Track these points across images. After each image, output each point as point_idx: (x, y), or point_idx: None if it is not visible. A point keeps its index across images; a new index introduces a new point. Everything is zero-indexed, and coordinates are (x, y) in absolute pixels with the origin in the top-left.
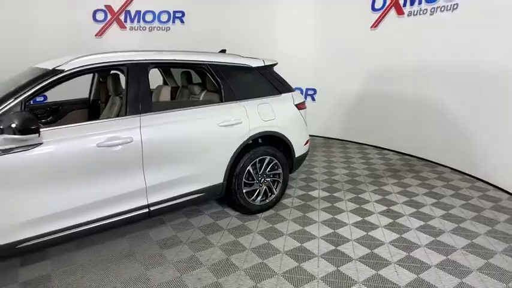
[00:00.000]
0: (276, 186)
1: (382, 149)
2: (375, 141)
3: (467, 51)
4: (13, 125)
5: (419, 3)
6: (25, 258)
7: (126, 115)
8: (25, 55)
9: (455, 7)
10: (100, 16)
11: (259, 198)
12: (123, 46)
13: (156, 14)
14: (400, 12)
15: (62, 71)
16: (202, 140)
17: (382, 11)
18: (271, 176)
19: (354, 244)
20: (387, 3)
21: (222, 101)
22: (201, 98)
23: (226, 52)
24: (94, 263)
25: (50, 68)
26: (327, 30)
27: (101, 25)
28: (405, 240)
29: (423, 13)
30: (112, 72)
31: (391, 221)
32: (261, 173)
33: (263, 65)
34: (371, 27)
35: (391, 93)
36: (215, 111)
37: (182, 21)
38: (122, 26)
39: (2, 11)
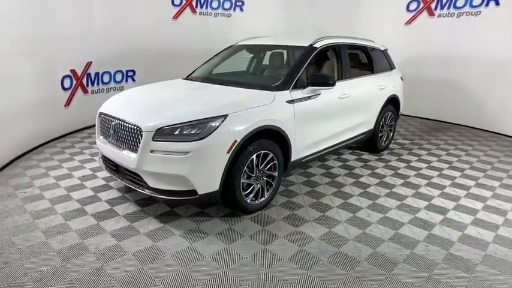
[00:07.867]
0: (391, 133)
1: (414, 117)
2: (408, 112)
3: (483, 45)
4: (318, 81)
5: (448, 8)
6: None
7: (342, 79)
8: (122, 34)
9: (478, 13)
10: (177, 1)
11: (383, 141)
12: (195, 27)
13: (221, 1)
14: (431, 14)
15: (316, 48)
16: (371, 97)
17: (415, 12)
18: (390, 126)
19: (428, 157)
20: (420, 6)
21: (372, 73)
22: None
23: None
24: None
25: (306, 45)
26: (370, 25)
27: (177, 9)
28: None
29: (451, 16)
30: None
31: (447, 152)
32: (387, 124)
33: (384, 48)
34: (405, 23)
35: (421, 74)
36: (374, 79)
37: (242, 10)
38: (193, 11)
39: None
